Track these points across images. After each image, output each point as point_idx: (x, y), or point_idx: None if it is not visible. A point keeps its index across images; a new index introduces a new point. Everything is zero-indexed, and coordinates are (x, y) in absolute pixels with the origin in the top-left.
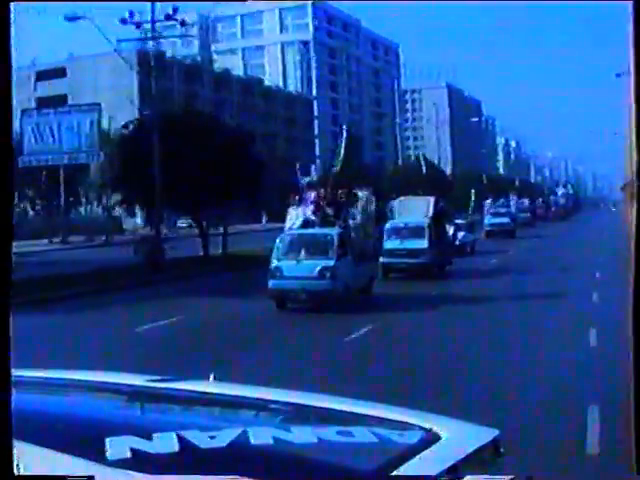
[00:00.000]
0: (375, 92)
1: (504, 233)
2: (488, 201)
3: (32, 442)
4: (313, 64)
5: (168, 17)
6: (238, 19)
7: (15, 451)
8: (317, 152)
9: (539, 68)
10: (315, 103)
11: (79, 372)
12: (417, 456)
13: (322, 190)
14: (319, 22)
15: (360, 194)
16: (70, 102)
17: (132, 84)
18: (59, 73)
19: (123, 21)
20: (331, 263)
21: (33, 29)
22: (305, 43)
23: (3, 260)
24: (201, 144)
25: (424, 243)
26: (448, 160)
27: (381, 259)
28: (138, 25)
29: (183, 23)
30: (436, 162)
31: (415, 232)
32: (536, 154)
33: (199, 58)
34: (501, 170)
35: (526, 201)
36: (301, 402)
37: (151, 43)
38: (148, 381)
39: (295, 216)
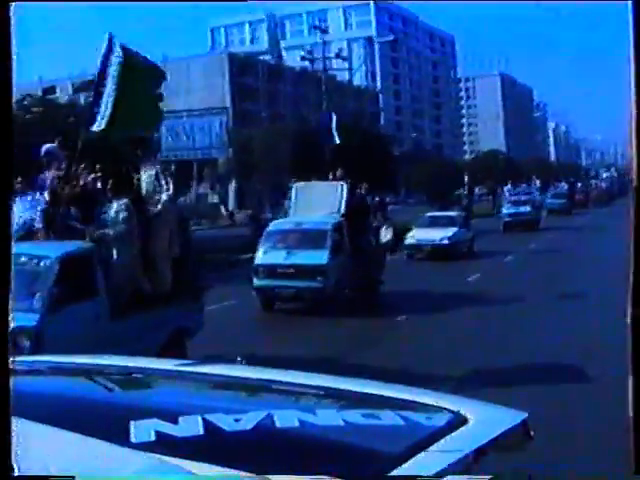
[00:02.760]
0: (433, 83)
1: (525, 224)
2: (507, 187)
3: (58, 426)
4: (377, 59)
5: None
6: (304, 16)
7: (38, 436)
8: None
9: (587, 52)
10: (380, 96)
11: (106, 357)
12: (444, 438)
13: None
14: (380, 18)
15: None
16: (166, 100)
17: (223, 85)
18: None
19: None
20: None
21: (128, 31)
22: (369, 39)
23: (3, 260)
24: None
25: (323, 257)
26: (502, 145)
27: (255, 281)
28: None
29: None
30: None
31: (312, 239)
32: (586, 137)
33: (269, 55)
34: (552, 155)
35: (564, 185)
36: (327, 385)
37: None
38: (176, 365)
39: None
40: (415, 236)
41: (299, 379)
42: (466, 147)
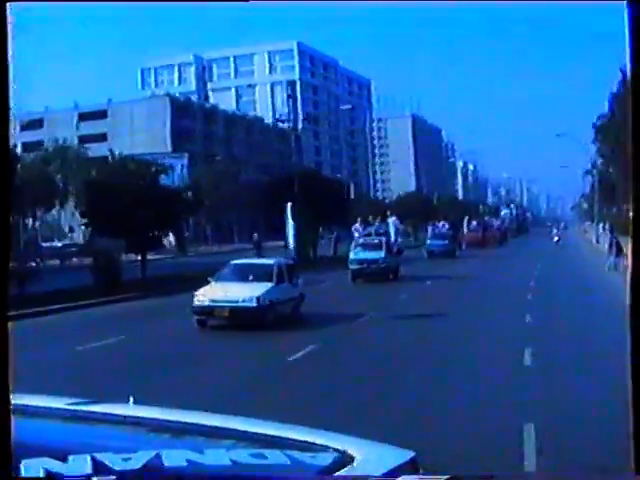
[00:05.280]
0: (350, 124)
1: (376, 274)
2: (356, 225)
3: None
4: (299, 101)
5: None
6: (231, 60)
7: None
8: None
9: (496, 93)
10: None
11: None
12: (329, 477)
13: None
14: (302, 62)
15: None
16: (110, 141)
17: (164, 126)
18: (99, 115)
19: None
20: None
21: (73, 73)
22: (291, 82)
23: (3, 260)
24: None
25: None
26: (412, 184)
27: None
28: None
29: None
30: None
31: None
32: (492, 176)
33: (195, 96)
34: (459, 193)
35: (445, 224)
36: (218, 424)
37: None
38: (68, 404)
39: None
40: (207, 295)
41: (191, 418)
42: (378, 185)
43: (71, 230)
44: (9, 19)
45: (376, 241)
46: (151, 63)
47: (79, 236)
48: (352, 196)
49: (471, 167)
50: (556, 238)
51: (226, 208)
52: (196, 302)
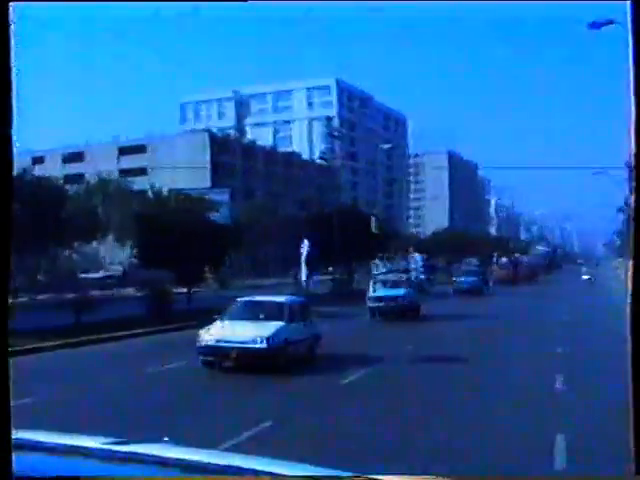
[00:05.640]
0: (387, 160)
1: (395, 312)
2: (376, 261)
3: None
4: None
5: None
6: (269, 96)
7: None
8: None
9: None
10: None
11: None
12: None
13: None
14: (340, 98)
15: None
16: (150, 175)
17: (204, 161)
18: (139, 149)
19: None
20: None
21: (114, 108)
22: (329, 118)
23: (3, 261)
24: None
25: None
26: (446, 219)
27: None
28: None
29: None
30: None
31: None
32: (526, 212)
33: (233, 131)
34: (493, 229)
35: (473, 261)
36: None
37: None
38: (103, 443)
39: None
40: (213, 334)
41: (222, 460)
42: (412, 220)
43: (112, 263)
44: (11, 18)
45: (396, 278)
46: (191, 98)
47: (118, 268)
48: (378, 231)
49: (505, 203)
50: (586, 276)
51: (263, 243)
52: (201, 342)
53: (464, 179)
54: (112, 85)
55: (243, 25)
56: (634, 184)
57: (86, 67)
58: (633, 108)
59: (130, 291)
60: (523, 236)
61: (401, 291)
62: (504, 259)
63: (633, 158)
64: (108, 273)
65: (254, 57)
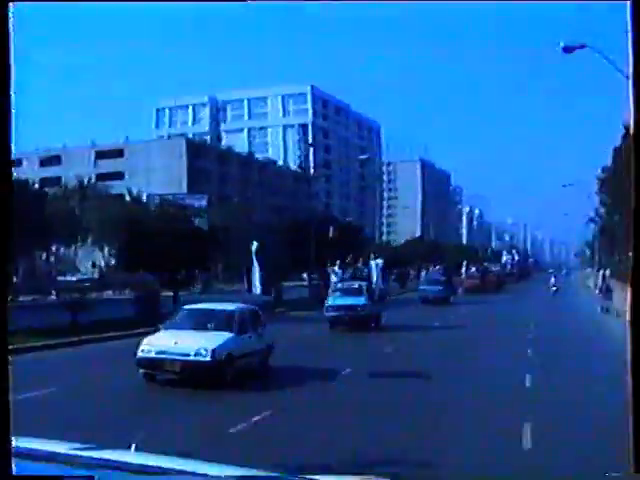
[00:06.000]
0: (360, 168)
1: (355, 322)
2: (335, 268)
3: None
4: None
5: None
6: (245, 102)
7: None
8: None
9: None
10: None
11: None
12: None
13: None
14: (315, 106)
15: None
16: (126, 179)
17: (180, 166)
18: (116, 153)
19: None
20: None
21: (93, 111)
22: (304, 126)
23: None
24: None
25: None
26: (418, 228)
27: None
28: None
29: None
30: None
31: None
32: (497, 221)
33: (208, 137)
34: (464, 237)
35: (438, 269)
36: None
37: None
38: (70, 449)
39: None
40: (154, 345)
41: (190, 467)
42: (384, 228)
43: (94, 265)
44: (10, 18)
45: (356, 286)
46: (166, 103)
47: (90, 271)
48: (334, 237)
49: (477, 212)
50: (554, 288)
51: (238, 249)
52: (140, 353)
53: (437, 187)
54: (88, 88)
55: (219, 29)
56: (634, 185)
57: (63, 70)
58: (633, 109)
59: (109, 293)
60: (494, 245)
61: (361, 300)
62: (472, 268)
63: (633, 159)
64: (85, 276)
65: (229, 62)
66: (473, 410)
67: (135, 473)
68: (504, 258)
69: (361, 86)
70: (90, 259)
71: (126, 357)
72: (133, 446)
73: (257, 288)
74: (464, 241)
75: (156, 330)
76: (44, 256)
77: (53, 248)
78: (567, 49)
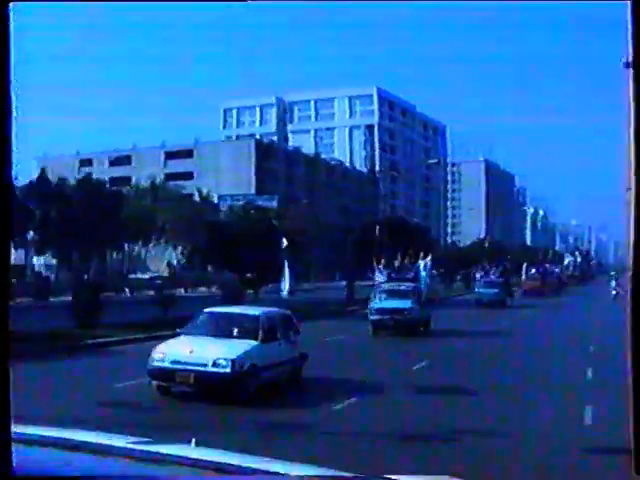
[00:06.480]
0: (425, 169)
1: (401, 326)
2: (380, 266)
3: None
4: (377, 146)
5: None
6: (312, 103)
7: None
8: None
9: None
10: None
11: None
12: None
13: None
14: (381, 107)
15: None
16: (195, 179)
17: (249, 167)
18: (187, 154)
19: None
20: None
21: (165, 115)
22: (370, 127)
23: (2, 263)
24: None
25: None
26: (482, 229)
27: None
28: None
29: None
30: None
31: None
32: (562, 222)
33: (275, 137)
34: (528, 239)
35: (494, 271)
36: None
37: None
38: (129, 442)
39: None
40: (168, 353)
41: (254, 463)
42: (448, 229)
43: (168, 265)
44: (11, 18)
45: (402, 287)
46: (233, 103)
47: (159, 270)
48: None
49: (541, 213)
50: (614, 292)
51: (307, 249)
52: (153, 362)
53: (501, 188)
54: (157, 89)
55: (286, 30)
56: (635, 185)
57: (132, 72)
58: (632, 109)
59: (181, 291)
60: (558, 247)
61: (408, 302)
62: (533, 269)
63: (633, 162)
64: (156, 274)
65: (296, 63)
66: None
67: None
68: (566, 260)
69: (426, 86)
70: (160, 258)
71: None
72: (193, 441)
73: (285, 288)
74: (528, 242)
75: (174, 335)
76: (115, 254)
77: (125, 246)
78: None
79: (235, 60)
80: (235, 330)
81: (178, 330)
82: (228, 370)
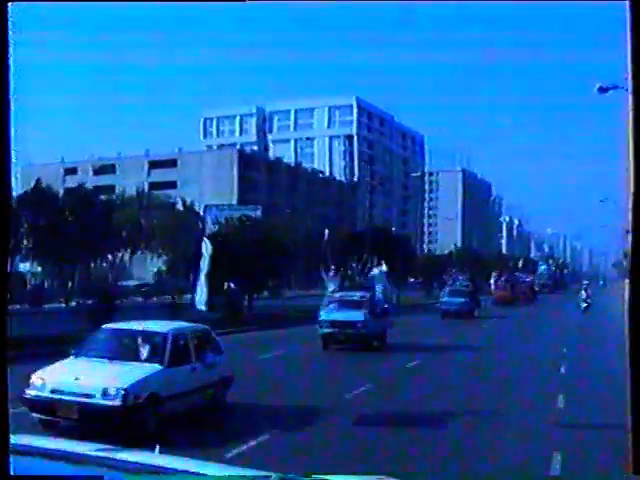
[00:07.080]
0: (404, 178)
1: (353, 340)
2: (330, 273)
3: None
4: (356, 155)
5: None
6: (292, 112)
7: None
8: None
9: (543, 146)
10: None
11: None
12: None
13: None
14: (360, 117)
15: None
16: (179, 188)
17: (231, 176)
18: (171, 163)
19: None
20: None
21: (146, 123)
22: (349, 137)
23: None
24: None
25: None
26: (458, 238)
27: None
28: None
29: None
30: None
31: None
32: (537, 231)
33: (255, 147)
34: (504, 247)
35: (462, 279)
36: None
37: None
38: (93, 450)
39: None
40: (48, 380)
41: (209, 470)
42: (425, 237)
43: (159, 272)
44: (9, 19)
45: (355, 297)
46: (213, 113)
47: (143, 277)
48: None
49: (516, 222)
50: (584, 305)
51: (290, 257)
52: (30, 391)
53: (478, 197)
54: (140, 98)
55: (266, 40)
56: (635, 185)
57: (113, 78)
58: (632, 110)
59: (168, 298)
60: (533, 255)
61: (360, 315)
62: (502, 278)
63: (632, 164)
64: (142, 281)
65: (276, 74)
66: None
67: (136, 473)
68: (541, 268)
69: (404, 96)
70: (145, 266)
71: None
72: (157, 448)
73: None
74: (504, 251)
75: (65, 356)
76: (99, 262)
77: (109, 255)
78: (602, 89)
79: (215, 69)
80: (137, 351)
81: (72, 350)
82: (117, 402)
